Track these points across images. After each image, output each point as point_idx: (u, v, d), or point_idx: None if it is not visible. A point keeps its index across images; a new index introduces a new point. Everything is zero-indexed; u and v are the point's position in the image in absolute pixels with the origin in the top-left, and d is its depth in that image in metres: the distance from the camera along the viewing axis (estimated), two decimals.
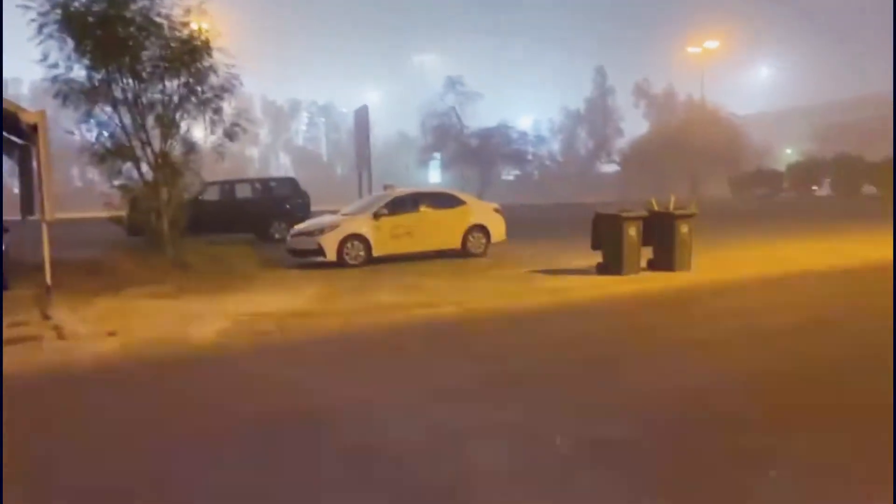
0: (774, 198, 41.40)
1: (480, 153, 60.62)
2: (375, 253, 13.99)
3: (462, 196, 15.75)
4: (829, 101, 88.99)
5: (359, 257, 13.80)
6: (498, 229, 15.30)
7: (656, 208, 12.09)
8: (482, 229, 15.04)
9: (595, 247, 12.02)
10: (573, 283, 10.96)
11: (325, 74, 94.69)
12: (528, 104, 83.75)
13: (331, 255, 13.62)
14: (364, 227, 13.98)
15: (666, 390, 5.32)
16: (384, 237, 14.06)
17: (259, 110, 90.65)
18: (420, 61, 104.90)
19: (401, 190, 15.52)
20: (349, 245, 13.75)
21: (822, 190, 44.25)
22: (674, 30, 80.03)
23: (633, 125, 76.65)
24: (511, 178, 71.02)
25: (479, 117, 61.13)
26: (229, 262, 13.52)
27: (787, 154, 72.16)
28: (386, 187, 15.67)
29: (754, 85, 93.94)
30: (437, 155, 64.12)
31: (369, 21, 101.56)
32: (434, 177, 67.56)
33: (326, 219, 14.84)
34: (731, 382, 5.54)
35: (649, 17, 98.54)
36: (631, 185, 64.16)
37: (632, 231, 11.49)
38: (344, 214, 14.84)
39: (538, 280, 11.38)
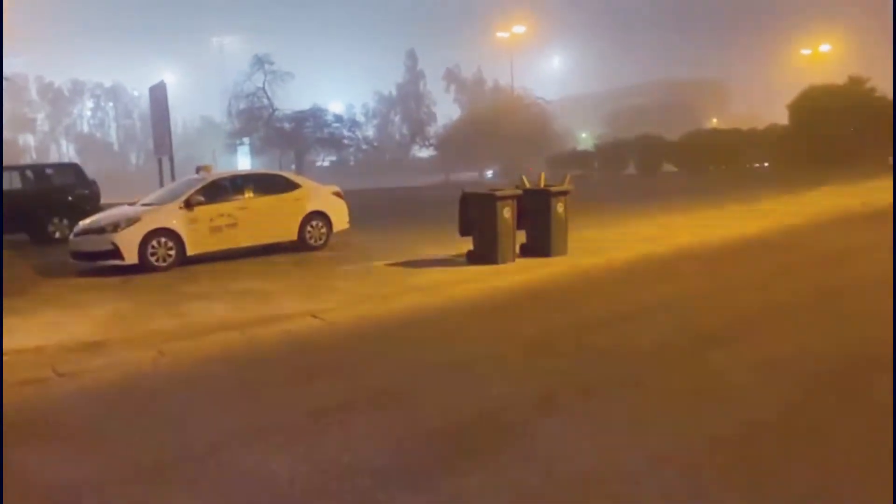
0: (590, 178, 42.78)
1: (294, 137, 57.33)
2: (191, 251, 11.24)
3: (295, 178, 13.32)
4: (614, 88, 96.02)
5: (168, 257, 10.98)
6: (340, 216, 13.10)
7: (528, 185, 10.61)
8: (322, 216, 12.75)
9: (465, 232, 10.30)
10: (445, 276, 9.13)
11: (110, 55, 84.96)
12: (340, 89, 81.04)
13: (130, 257, 10.68)
14: (174, 218, 11.15)
15: None
16: (201, 231, 11.34)
17: (34, 93, 79.66)
18: (220, 43, 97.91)
19: (219, 173, 12.78)
20: (155, 243, 10.86)
21: (628, 169, 46.47)
22: (477, 18, 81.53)
23: (445, 110, 77.16)
24: (326, 163, 68.35)
25: (291, 100, 57.74)
26: None
27: (583, 137, 76.37)
28: (200, 170, 12.83)
29: (548, 73, 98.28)
30: (247, 140, 59.66)
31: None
32: (244, 163, 62.87)
33: (122, 211, 11.77)
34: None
35: (456, 4, 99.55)
36: (448, 170, 64.61)
37: (506, 212, 9.88)
38: (145, 205, 11.85)
39: (402, 275, 9.41)
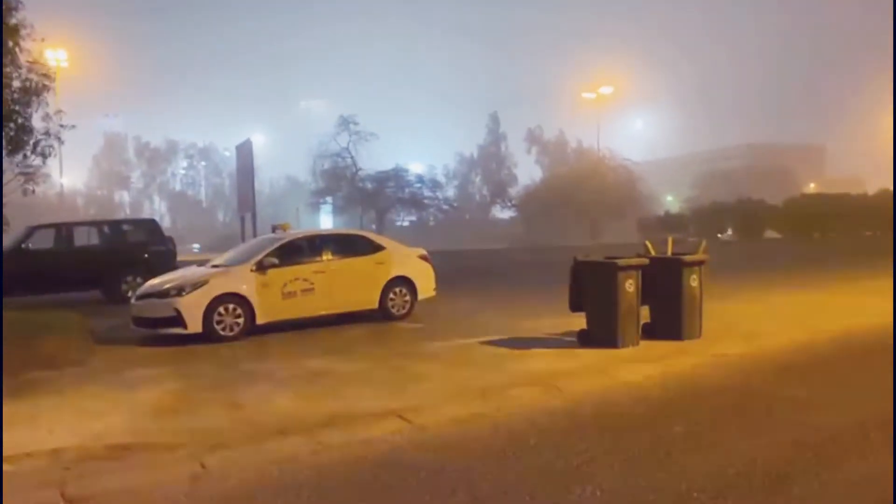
0: (683, 242, 40.42)
1: (376, 197, 57.28)
2: (261, 319, 9.97)
3: (378, 239, 12.00)
4: (699, 151, 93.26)
5: (236, 326, 9.73)
6: (426, 282, 11.65)
7: (653, 253, 8.89)
8: (406, 282, 11.34)
9: (575, 307, 8.62)
10: (557, 364, 7.44)
11: (205, 117, 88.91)
12: (422, 150, 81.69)
13: (194, 326, 9.47)
14: (244, 282, 9.95)
15: None
16: (273, 297, 10.09)
17: (132, 152, 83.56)
18: (307, 106, 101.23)
19: (296, 232, 11.60)
20: (222, 310, 9.65)
21: (725, 234, 43.71)
22: (561, 82, 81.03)
23: (526, 171, 76.21)
24: (406, 223, 68.07)
25: (374, 161, 57.97)
26: (39, 339, 9.09)
27: (669, 201, 73.77)
28: (276, 228, 11.72)
29: (631, 136, 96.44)
30: (330, 199, 60.08)
31: (254, 64, 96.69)
32: (326, 222, 63.31)
33: (189, 272, 10.69)
34: None
35: (539, 68, 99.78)
36: (529, 232, 63.05)
37: (629, 286, 8.17)
38: (215, 266, 10.73)
39: (503, 359, 7.78)
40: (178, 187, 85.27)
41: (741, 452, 4.48)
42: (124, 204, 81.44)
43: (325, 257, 10.83)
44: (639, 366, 7.24)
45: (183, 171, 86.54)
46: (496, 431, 5.20)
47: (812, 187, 76.49)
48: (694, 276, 8.62)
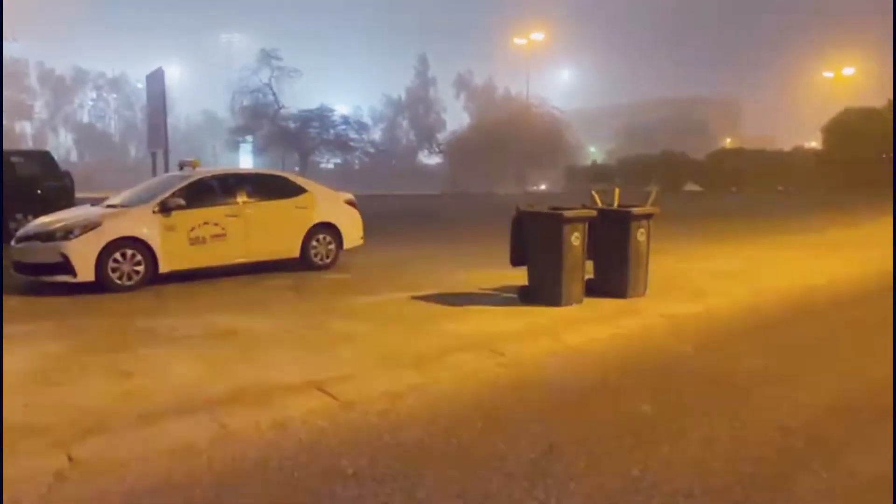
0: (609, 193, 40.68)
1: (299, 137, 55.01)
2: (164, 268, 8.86)
3: (300, 181, 10.90)
4: (621, 103, 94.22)
5: (135, 275, 8.61)
6: (353, 229, 10.73)
7: (599, 204, 8.25)
8: (331, 229, 10.38)
9: (518, 261, 7.93)
10: (497, 324, 6.76)
11: (117, 46, 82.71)
12: (348, 90, 78.99)
13: (85, 274, 8.30)
14: (145, 225, 8.79)
15: None
16: (179, 242, 8.97)
17: (34, 79, 77.23)
18: (228, 39, 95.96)
19: (207, 170, 10.38)
20: (118, 256, 8.49)
21: (650, 186, 44.17)
22: (491, 25, 79.55)
23: (455, 117, 74.95)
24: (331, 166, 66.00)
25: (298, 99, 55.42)
26: None
27: (592, 152, 74.48)
28: (183, 165, 10.49)
29: (557, 86, 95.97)
30: (250, 137, 57.33)
31: None
32: (246, 162, 60.57)
33: (80, 213, 9.40)
34: None
35: (470, 9, 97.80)
36: (456, 178, 62.28)
37: (575, 239, 7.51)
38: (110, 206, 9.48)
39: (437, 318, 7.02)
40: (85, 119, 79.68)
41: (723, 442, 3.89)
42: (26, 136, 75.56)
43: (239, 199, 9.72)
44: (586, 327, 6.63)
45: (91, 103, 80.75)
46: (435, 411, 4.46)
47: (728, 142, 78.45)
48: (642, 231, 8.05)
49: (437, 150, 70.91)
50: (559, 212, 7.50)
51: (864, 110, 39.04)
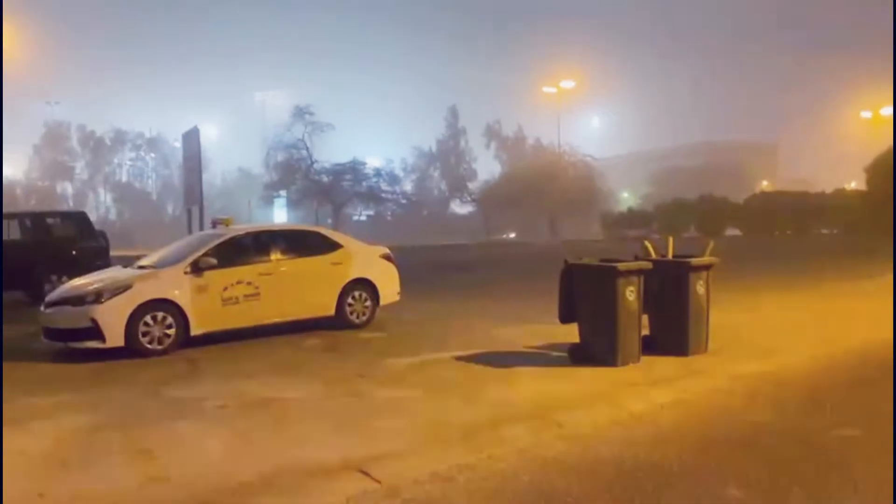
0: (647, 239, 39.94)
1: (332, 190, 55.44)
2: (196, 330, 8.51)
3: (335, 236, 10.60)
4: (655, 148, 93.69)
5: (166, 338, 8.27)
6: (389, 285, 10.31)
7: (654, 255, 7.72)
8: (367, 285, 9.98)
9: (567, 318, 7.40)
10: (550, 388, 6.21)
11: (155, 107, 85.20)
12: (380, 143, 79.87)
13: (114, 339, 7.98)
14: (176, 286, 8.48)
15: None
16: (211, 303, 8.64)
17: (75, 141, 79.68)
18: (263, 97, 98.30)
19: (240, 228, 10.12)
20: (149, 319, 8.17)
21: (689, 231, 43.21)
22: (521, 75, 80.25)
23: (485, 166, 75.20)
24: (363, 218, 66.37)
25: (331, 153, 56.09)
26: None
27: (625, 197, 73.80)
28: (216, 223, 10.25)
29: (588, 133, 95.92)
30: (284, 192, 57.98)
31: (207, 53, 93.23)
32: (280, 216, 61.16)
33: (111, 274, 9.15)
34: None
35: (500, 62, 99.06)
36: (489, 228, 62.09)
37: (630, 292, 6.98)
38: (142, 267, 9.22)
39: (483, 382, 6.49)
40: (124, 178, 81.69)
41: None
42: (67, 196, 77.61)
43: (273, 257, 9.41)
44: (649, 391, 6.05)
45: (130, 163, 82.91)
46: (491, 496, 3.92)
47: (765, 185, 77.23)
48: (701, 283, 7.49)
49: (468, 199, 70.99)
50: (612, 264, 6.99)
51: None
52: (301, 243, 9.94)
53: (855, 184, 50.52)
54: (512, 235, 64.63)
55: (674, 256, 7.75)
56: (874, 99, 62.44)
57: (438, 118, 78.69)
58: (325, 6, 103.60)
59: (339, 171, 55.89)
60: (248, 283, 8.98)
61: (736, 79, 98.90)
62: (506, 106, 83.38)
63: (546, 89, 60.52)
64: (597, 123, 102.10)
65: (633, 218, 47.03)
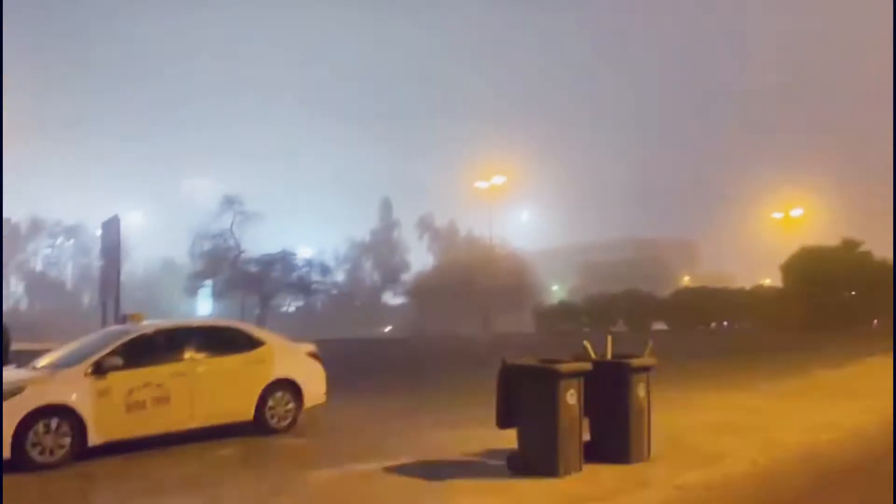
0: (578, 333, 40.24)
1: (260, 281, 54.07)
2: (95, 439, 7.61)
3: (257, 332, 9.92)
4: (582, 242, 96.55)
5: (59, 448, 7.35)
6: (315, 385, 9.61)
7: (593, 355, 7.42)
8: (291, 386, 9.26)
9: (506, 423, 6.92)
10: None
11: (79, 195, 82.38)
12: (312, 234, 79.37)
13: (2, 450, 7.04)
14: (74, 390, 7.62)
15: None
16: (114, 409, 7.79)
17: None
18: (191, 186, 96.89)
19: (151, 324, 9.35)
20: (41, 427, 7.27)
21: (618, 326, 43.76)
22: (453, 169, 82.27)
23: (418, 257, 75.47)
24: (292, 309, 64.87)
25: (260, 242, 55.07)
26: None
27: (555, 290, 75.07)
28: (125, 318, 9.47)
29: (518, 226, 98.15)
30: (209, 283, 56.25)
31: (135, 139, 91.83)
32: (204, 308, 59.13)
33: (4, 376, 8.21)
34: None
35: (434, 156, 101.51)
36: (421, 320, 61.51)
37: (571, 396, 6.61)
38: (37, 368, 8.32)
39: (419, 498, 5.91)
40: (39, 267, 77.93)
41: None
42: None
43: (186, 356, 8.67)
44: None
45: (48, 251, 79.46)
46: None
47: (687, 280, 79.86)
48: (642, 385, 7.20)
49: (401, 291, 70.65)
50: (552, 366, 6.64)
51: (820, 249, 39.96)
52: (219, 340, 9.24)
53: (770, 280, 52.74)
54: (388, 329, 64.28)
55: (613, 356, 7.47)
56: (785, 201, 66.23)
57: (373, 209, 79.21)
58: (259, 96, 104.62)
59: (267, 262, 54.77)
60: (158, 386, 8.19)
61: (658, 178, 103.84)
62: (439, 198, 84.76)
63: (478, 184, 61.84)
64: (526, 217, 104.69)
65: (564, 311, 47.53)
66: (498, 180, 59.79)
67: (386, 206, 79.03)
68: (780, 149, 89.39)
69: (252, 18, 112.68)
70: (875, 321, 37.64)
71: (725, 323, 45.17)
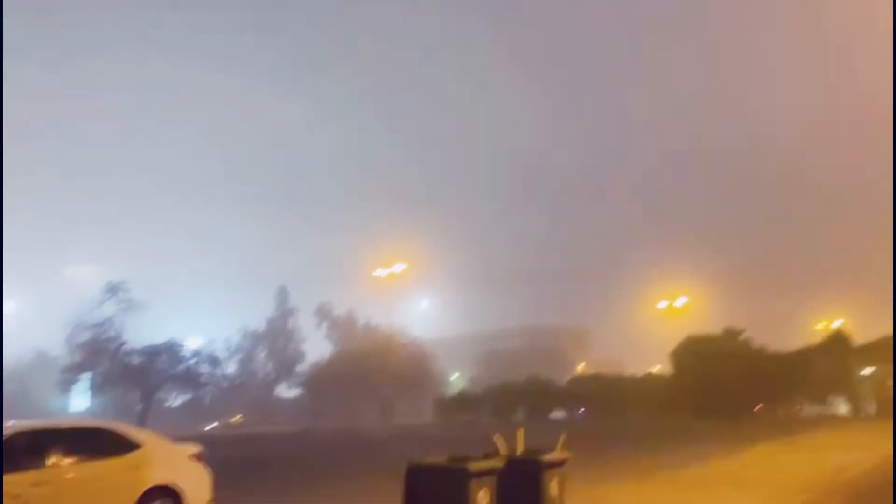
0: (480, 424, 39.63)
1: (143, 374, 50.58)
2: None
3: (133, 434, 8.90)
4: (480, 331, 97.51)
5: None
6: (199, 491, 8.64)
7: (503, 451, 7.06)
8: (170, 494, 8.31)
9: None
10: None
11: None
12: (202, 322, 75.94)
13: None
14: None
15: None
16: None
17: None
18: (74, 272, 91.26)
19: (10, 425, 8.23)
20: None
21: (518, 414, 43.63)
22: (353, 256, 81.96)
23: (315, 347, 73.28)
24: (177, 403, 60.85)
25: (144, 333, 51.80)
26: None
27: (454, 379, 74.78)
28: None
29: (417, 315, 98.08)
30: (86, 376, 52.08)
31: (12, 222, 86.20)
32: (79, 404, 54.50)
33: None
34: None
35: (333, 243, 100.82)
36: (318, 413, 59.14)
37: (483, 496, 6.19)
38: None
39: None
40: None
41: None
42: None
43: (51, 461, 7.63)
44: None
45: None
46: None
47: (581, 367, 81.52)
48: (555, 482, 6.91)
49: (296, 382, 67.98)
50: (463, 466, 6.22)
51: (704, 338, 41.82)
52: (89, 443, 8.21)
53: (659, 367, 54.56)
54: (238, 418, 61.96)
55: (525, 451, 7.14)
56: (669, 291, 69.54)
57: (269, 297, 76.81)
58: (153, 175, 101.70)
59: (152, 353, 51.46)
60: (16, 497, 7.12)
61: (552, 264, 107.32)
62: (338, 285, 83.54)
63: (378, 272, 61.57)
64: (426, 305, 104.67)
65: (465, 401, 47.05)
66: (398, 268, 59.83)
67: (282, 294, 76.96)
68: (664, 242, 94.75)
69: (146, 89, 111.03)
70: (758, 406, 39.31)
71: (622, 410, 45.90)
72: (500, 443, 7.11)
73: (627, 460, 16.42)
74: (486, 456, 6.75)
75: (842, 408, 37.29)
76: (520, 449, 7.20)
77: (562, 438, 7.27)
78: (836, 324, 49.85)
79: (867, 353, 35.94)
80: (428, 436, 23.51)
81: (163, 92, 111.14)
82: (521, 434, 7.38)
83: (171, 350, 53.11)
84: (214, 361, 58.36)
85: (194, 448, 9.18)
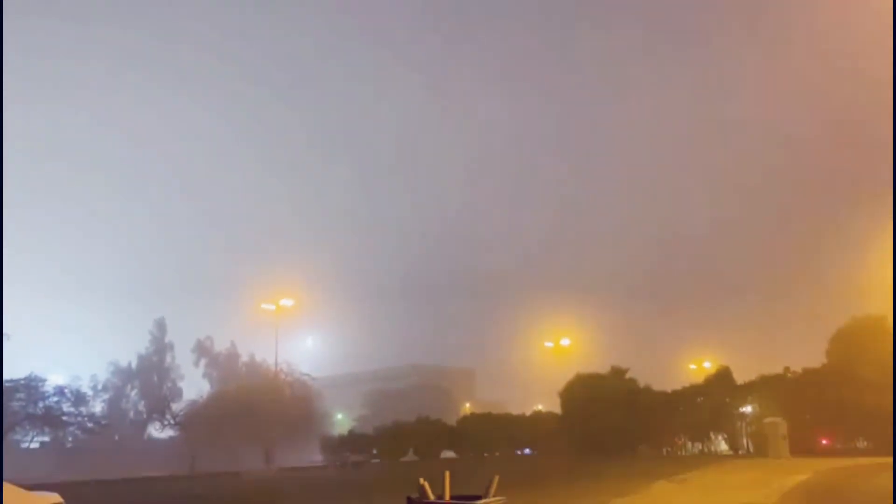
0: (369, 464, 38.30)
1: None
2: None
3: None
4: (367, 370, 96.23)
5: None
6: None
7: (431, 497, 6.40)
8: None
9: None
10: None
11: None
12: (67, 357, 70.22)
13: None
14: None
15: None
16: None
17: None
18: None
19: None
20: None
21: (409, 455, 42.61)
22: (237, 291, 78.80)
23: (193, 385, 69.04)
24: (36, 445, 55.38)
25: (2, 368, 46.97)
26: None
27: (339, 419, 72.95)
28: None
29: (301, 353, 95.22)
30: None
31: None
32: None
33: None
34: None
35: (216, 274, 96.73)
36: (193, 455, 55.40)
37: None
38: None
39: None
40: None
41: None
42: None
43: None
44: None
45: None
46: None
47: (468, 407, 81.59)
48: None
49: (170, 422, 63.55)
50: None
51: (592, 376, 42.68)
52: None
53: (541, 406, 55.29)
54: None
55: (453, 497, 6.52)
56: (555, 332, 71.00)
57: (143, 331, 71.93)
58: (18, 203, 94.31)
59: (8, 389, 46.71)
60: None
61: (439, 314, 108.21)
62: (219, 320, 79.76)
63: (265, 306, 59.08)
64: (311, 343, 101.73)
65: (354, 441, 45.58)
66: (286, 303, 57.67)
67: (159, 328, 72.35)
68: (551, 286, 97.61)
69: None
70: (641, 445, 40.34)
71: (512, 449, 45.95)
72: (427, 487, 6.46)
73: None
74: (415, 500, 6.08)
75: (722, 445, 38.86)
76: (447, 494, 6.57)
77: (495, 480, 6.71)
78: (707, 365, 52.35)
79: (746, 392, 37.81)
80: (319, 480, 22.28)
81: None
82: (447, 476, 6.76)
83: (29, 387, 48.56)
84: (79, 399, 53.85)
85: (54, 497, 7.93)
